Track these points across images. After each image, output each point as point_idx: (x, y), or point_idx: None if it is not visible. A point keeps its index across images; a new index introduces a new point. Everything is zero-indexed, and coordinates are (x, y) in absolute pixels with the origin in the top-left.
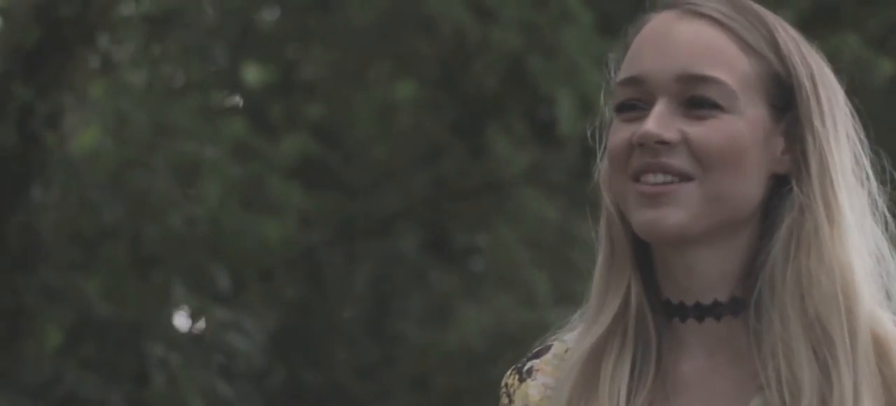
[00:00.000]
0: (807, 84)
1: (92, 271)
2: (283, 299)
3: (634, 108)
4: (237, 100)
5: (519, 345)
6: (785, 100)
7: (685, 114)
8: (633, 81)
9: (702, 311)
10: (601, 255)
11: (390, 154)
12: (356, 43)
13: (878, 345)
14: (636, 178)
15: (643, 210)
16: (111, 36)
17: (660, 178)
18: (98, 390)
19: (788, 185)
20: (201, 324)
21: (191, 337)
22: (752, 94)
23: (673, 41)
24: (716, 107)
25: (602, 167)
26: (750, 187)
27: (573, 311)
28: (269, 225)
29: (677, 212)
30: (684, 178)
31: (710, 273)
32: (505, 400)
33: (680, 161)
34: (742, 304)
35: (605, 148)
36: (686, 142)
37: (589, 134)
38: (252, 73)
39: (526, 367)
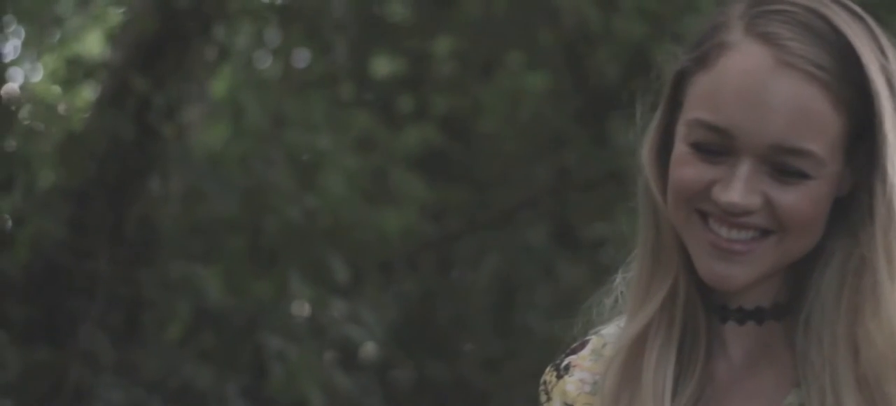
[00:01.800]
0: (889, 128)
1: (210, 263)
2: (403, 291)
3: (715, 152)
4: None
5: None
6: (861, 139)
7: (770, 174)
8: (719, 132)
9: (744, 315)
10: (644, 241)
11: (516, 144)
12: (483, 33)
13: None
14: (705, 220)
15: (712, 261)
16: (228, 27)
17: (734, 233)
18: (213, 382)
19: (848, 212)
20: (319, 315)
21: (309, 329)
22: (837, 153)
23: (769, 104)
24: (805, 176)
25: (646, 146)
26: (818, 235)
27: None
28: (389, 216)
29: (747, 271)
30: (765, 232)
31: (755, 285)
32: (543, 397)
33: (760, 220)
34: (784, 310)
35: (657, 124)
36: (769, 205)
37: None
38: (380, 65)
39: (563, 364)
